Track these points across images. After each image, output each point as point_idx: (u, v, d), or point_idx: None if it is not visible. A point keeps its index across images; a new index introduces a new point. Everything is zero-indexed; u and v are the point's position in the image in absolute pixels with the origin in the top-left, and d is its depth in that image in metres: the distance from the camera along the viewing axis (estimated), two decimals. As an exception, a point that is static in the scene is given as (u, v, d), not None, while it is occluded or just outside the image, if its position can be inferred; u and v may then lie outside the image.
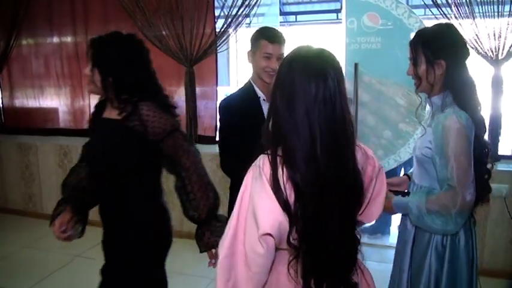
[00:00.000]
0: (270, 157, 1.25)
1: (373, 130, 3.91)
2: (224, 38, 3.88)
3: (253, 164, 1.28)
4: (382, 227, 4.27)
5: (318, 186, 1.22)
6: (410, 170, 2.09)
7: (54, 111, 5.12)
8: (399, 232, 2.08)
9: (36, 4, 4.83)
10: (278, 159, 1.24)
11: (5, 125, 5.40)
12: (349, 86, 3.88)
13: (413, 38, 1.88)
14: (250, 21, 3.85)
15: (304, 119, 1.21)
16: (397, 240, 2.09)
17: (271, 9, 4.99)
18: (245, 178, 1.27)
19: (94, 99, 4.73)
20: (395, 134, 3.85)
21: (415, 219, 1.81)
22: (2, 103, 5.45)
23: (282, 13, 8.27)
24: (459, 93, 1.76)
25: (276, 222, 1.20)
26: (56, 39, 4.97)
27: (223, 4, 3.84)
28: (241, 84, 2.44)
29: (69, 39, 4.84)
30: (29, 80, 5.22)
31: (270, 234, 1.20)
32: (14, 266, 3.93)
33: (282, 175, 1.22)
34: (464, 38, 1.87)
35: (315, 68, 1.25)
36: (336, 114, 1.24)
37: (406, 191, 2.03)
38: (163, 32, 3.97)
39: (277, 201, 1.20)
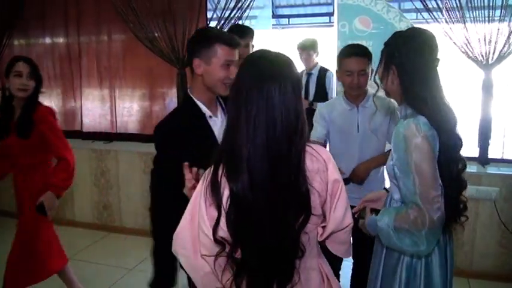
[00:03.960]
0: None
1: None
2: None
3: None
4: None
5: (252, 193, 1.23)
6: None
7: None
8: (373, 254, 1.96)
9: (29, 5, 4.78)
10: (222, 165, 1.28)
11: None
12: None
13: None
14: (243, 24, 3.85)
15: (249, 124, 1.23)
16: (372, 261, 1.97)
17: (263, 12, 5.00)
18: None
19: (86, 100, 4.73)
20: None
21: (385, 240, 1.66)
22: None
23: (274, 16, 8.30)
24: (417, 104, 1.63)
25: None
26: (48, 40, 4.93)
27: (216, 6, 3.84)
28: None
29: (61, 40, 4.81)
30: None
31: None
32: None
33: (221, 180, 1.27)
34: (430, 45, 1.72)
35: (267, 73, 1.25)
36: (282, 122, 1.23)
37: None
38: (155, 34, 3.95)
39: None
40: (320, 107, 2.75)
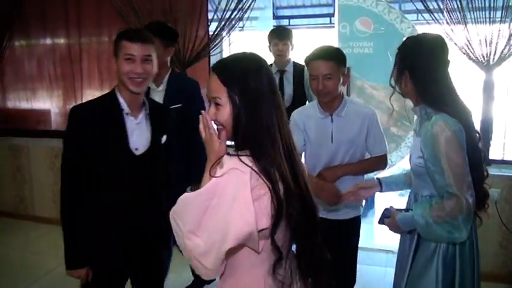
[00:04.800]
0: (253, 158, 1.23)
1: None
2: (217, 41, 3.89)
3: (223, 170, 1.23)
4: (365, 211, 4.55)
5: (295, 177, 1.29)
6: (378, 175, 2.13)
7: (46, 113, 5.08)
8: (398, 252, 2.07)
9: (30, 5, 4.79)
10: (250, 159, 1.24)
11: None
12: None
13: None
14: (244, 25, 3.85)
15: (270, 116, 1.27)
16: (397, 259, 2.08)
17: (264, 12, 5.00)
18: (226, 178, 1.22)
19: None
20: (388, 138, 3.82)
21: (423, 231, 1.77)
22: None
23: (275, 17, 8.31)
24: (437, 103, 1.76)
25: (248, 235, 1.19)
26: (49, 41, 4.93)
27: (217, 7, 3.85)
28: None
29: (62, 41, 4.81)
30: (21, 82, 5.17)
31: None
32: (5, 268, 3.89)
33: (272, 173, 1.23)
34: (441, 47, 1.82)
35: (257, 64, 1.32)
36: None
37: (405, 208, 2.00)
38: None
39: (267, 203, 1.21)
40: (294, 114, 2.52)
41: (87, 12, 4.56)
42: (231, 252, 1.23)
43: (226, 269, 1.29)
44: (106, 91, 4.71)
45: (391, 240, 3.66)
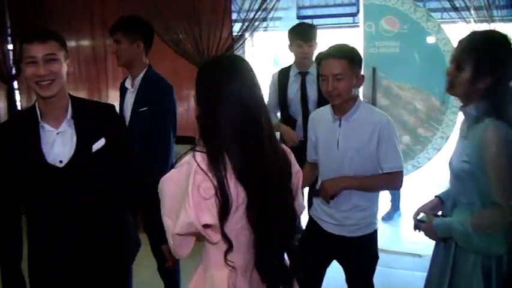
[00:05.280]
0: (206, 153, 1.31)
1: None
2: (241, 42, 3.88)
3: (181, 163, 1.34)
4: (391, 213, 4.52)
5: (259, 172, 1.32)
6: (441, 193, 1.97)
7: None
8: (433, 258, 1.94)
9: (55, 8, 4.87)
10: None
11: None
12: (367, 90, 3.84)
13: (466, 41, 1.74)
14: (267, 25, 3.83)
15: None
16: (430, 266, 1.96)
17: (288, 13, 4.93)
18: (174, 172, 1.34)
19: (112, 102, 4.76)
20: (414, 140, 3.81)
21: (461, 239, 1.68)
22: (20, 105, 5.50)
23: (298, 17, 8.25)
24: (499, 104, 1.64)
25: (191, 226, 1.28)
26: (73, 43, 5.00)
27: (240, 8, 3.83)
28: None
29: (86, 42, 4.88)
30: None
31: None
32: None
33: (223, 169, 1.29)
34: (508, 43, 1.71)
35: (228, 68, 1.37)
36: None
37: (441, 212, 1.91)
38: (180, 36, 3.97)
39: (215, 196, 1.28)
40: (311, 116, 2.39)
41: (112, 14, 4.58)
42: (200, 237, 1.35)
43: (202, 253, 1.45)
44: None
45: (418, 243, 3.62)
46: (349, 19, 8.53)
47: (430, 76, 3.74)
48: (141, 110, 2.55)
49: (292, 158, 1.48)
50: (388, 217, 4.47)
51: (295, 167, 1.48)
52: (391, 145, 2.11)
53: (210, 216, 1.28)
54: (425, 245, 2.15)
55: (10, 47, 5.35)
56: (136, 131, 2.53)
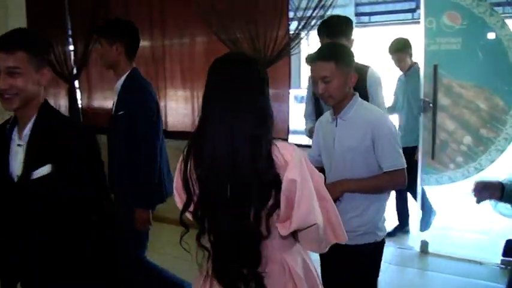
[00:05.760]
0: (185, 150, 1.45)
1: (452, 135, 3.74)
2: (298, 40, 3.87)
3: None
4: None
5: (213, 180, 1.36)
6: (505, 179, 1.85)
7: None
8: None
9: (115, 10, 5.01)
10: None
11: (84, 124, 5.65)
12: (428, 88, 3.74)
13: None
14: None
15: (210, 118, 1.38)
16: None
17: (345, 10, 4.83)
18: None
19: (170, 101, 4.89)
20: (476, 141, 3.66)
21: None
22: (81, 104, 5.72)
23: (356, 14, 8.14)
24: None
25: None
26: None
27: (297, 6, 3.82)
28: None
29: (146, 43, 4.98)
30: (106, 82, 5.43)
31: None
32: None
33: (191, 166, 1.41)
34: None
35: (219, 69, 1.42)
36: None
37: None
38: (238, 35, 4.01)
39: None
40: (319, 119, 2.41)
41: (171, 15, 4.70)
42: None
43: None
44: (188, 92, 4.86)
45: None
46: (408, 15, 8.35)
47: (493, 74, 3.59)
48: (119, 113, 2.57)
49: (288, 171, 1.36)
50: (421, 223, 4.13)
51: (290, 174, 1.36)
52: (387, 143, 2.05)
53: (179, 200, 1.50)
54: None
55: (71, 47, 5.56)
56: (117, 134, 2.60)
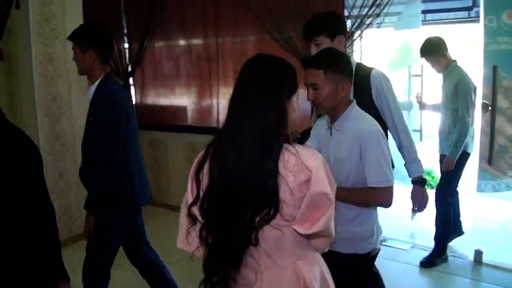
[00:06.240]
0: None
1: (511, 140, 3.59)
2: (353, 39, 3.81)
3: None
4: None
5: (222, 180, 1.37)
6: None
7: (183, 109, 5.40)
8: None
9: (170, 9, 5.10)
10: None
11: (137, 120, 5.76)
12: (486, 90, 3.61)
13: None
14: (381, 22, 3.72)
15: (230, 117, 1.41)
16: None
17: (409, 8, 4.40)
18: None
19: (223, 99, 4.92)
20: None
21: None
22: (135, 101, 5.85)
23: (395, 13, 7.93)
24: None
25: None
26: (186, 42, 5.22)
27: (353, 4, 3.75)
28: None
29: (199, 41, 5.05)
30: (160, 80, 5.56)
31: None
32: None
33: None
34: None
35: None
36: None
37: None
38: (291, 34, 3.99)
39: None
40: (316, 122, 2.32)
41: (225, 14, 4.73)
42: None
43: None
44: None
45: None
46: (464, 13, 8.05)
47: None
48: (90, 119, 2.57)
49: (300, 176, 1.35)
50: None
51: (316, 187, 1.34)
52: (373, 158, 1.97)
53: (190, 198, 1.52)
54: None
55: (126, 45, 5.70)
56: (85, 140, 2.61)
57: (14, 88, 4.22)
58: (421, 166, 2.48)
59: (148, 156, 5.41)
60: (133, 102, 5.78)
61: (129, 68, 5.62)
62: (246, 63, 1.48)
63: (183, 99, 5.37)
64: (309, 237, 1.42)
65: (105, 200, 2.56)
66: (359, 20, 3.72)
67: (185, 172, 4.87)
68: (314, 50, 2.40)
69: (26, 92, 4.03)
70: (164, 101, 5.55)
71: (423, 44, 3.74)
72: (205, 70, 5.01)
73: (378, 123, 2.08)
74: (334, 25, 2.47)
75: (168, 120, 5.52)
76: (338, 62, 2.01)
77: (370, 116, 2.10)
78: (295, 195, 1.34)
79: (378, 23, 3.69)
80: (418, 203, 2.52)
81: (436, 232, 3.84)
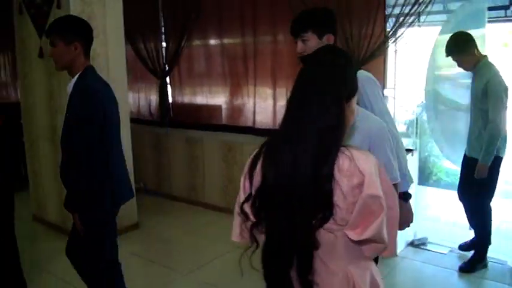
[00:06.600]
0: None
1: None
2: (395, 38, 3.74)
3: None
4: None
5: (277, 181, 1.33)
6: None
7: (218, 108, 5.42)
8: None
9: (207, 9, 5.15)
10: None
11: (173, 119, 5.88)
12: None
13: None
14: (424, 20, 3.64)
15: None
16: None
17: (475, 4, 3.84)
18: None
19: (259, 99, 4.92)
20: None
21: None
22: (172, 99, 5.92)
23: (445, 11, 7.74)
24: None
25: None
26: (223, 41, 5.24)
27: (395, 2, 3.68)
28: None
29: (237, 40, 5.05)
30: (197, 79, 5.59)
31: None
32: (177, 249, 4.25)
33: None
34: None
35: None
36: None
37: None
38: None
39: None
40: None
41: (263, 13, 4.70)
42: None
43: None
44: (278, 89, 4.84)
45: None
46: (501, 12, 7.82)
47: None
48: (67, 114, 2.48)
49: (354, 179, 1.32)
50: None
51: (368, 190, 1.31)
52: (383, 153, 1.93)
53: (242, 196, 1.50)
54: None
55: (164, 45, 5.77)
56: (66, 137, 2.49)
57: (53, 87, 4.31)
58: (409, 181, 2.38)
59: (185, 155, 5.45)
60: (170, 101, 5.86)
61: (166, 67, 5.68)
62: (307, 62, 1.45)
63: (219, 98, 5.38)
64: (360, 243, 1.38)
65: (87, 198, 2.44)
66: (401, 19, 3.64)
67: (221, 171, 4.95)
68: (300, 47, 2.26)
69: (66, 89, 4.09)
70: (201, 100, 5.58)
71: (448, 42, 3.51)
72: (241, 69, 5.01)
73: (379, 119, 2.04)
74: (323, 22, 2.29)
75: (204, 119, 5.54)
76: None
77: (369, 112, 2.06)
78: (348, 199, 1.32)
79: (420, 22, 3.62)
80: (403, 219, 2.39)
81: (475, 238, 3.74)
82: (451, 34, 3.51)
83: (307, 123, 1.32)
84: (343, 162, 1.31)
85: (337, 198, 1.31)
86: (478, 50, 3.46)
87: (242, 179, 1.47)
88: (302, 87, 1.38)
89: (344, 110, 1.36)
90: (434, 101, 3.94)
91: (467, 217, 3.77)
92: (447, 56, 3.53)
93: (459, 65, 3.56)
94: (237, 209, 1.49)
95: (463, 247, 3.83)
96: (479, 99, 3.41)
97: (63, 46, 2.41)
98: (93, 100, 2.40)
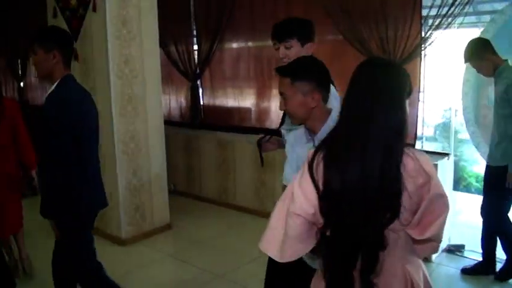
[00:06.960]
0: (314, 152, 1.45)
1: None
2: (431, 41, 3.69)
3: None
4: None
5: (345, 187, 1.34)
6: None
7: (248, 111, 5.44)
8: None
9: (239, 11, 5.17)
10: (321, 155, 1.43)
11: (204, 121, 5.91)
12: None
13: None
14: (462, 21, 3.58)
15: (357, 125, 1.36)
16: None
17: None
18: None
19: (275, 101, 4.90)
20: None
21: None
22: (203, 101, 5.96)
23: (475, 13, 7.59)
24: None
25: (309, 208, 1.41)
26: (255, 43, 5.26)
27: (432, 4, 3.63)
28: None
29: (267, 43, 5.00)
30: (228, 81, 5.62)
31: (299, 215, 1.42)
32: (211, 251, 4.26)
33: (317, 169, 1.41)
34: None
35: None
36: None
37: None
38: (365, 35, 3.92)
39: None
40: (292, 132, 2.17)
41: (296, 14, 4.68)
42: None
43: None
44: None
45: None
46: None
47: None
48: (40, 120, 2.49)
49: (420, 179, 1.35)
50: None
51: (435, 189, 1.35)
52: None
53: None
54: None
55: (195, 47, 5.81)
56: (39, 144, 2.56)
57: (88, 89, 4.36)
58: None
59: (216, 157, 5.48)
60: (201, 103, 5.89)
61: (197, 70, 5.72)
62: (363, 66, 1.45)
63: (249, 100, 5.40)
64: (420, 242, 1.40)
65: (61, 204, 2.47)
66: (438, 20, 3.58)
67: (252, 173, 4.93)
68: (282, 52, 2.37)
69: (102, 92, 4.16)
70: (232, 102, 5.61)
71: (465, 49, 3.40)
72: (271, 71, 5.01)
73: None
74: (307, 32, 2.44)
75: (234, 121, 5.57)
76: (307, 71, 1.90)
77: None
78: (413, 199, 1.34)
79: (459, 23, 3.57)
80: None
81: (504, 244, 3.60)
82: (469, 41, 3.41)
83: (370, 125, 1.33)
84: (407, 163, 1.33)
85: (404, 199, 1.33)
86: (496, 55, 3.34)
87: (300, 187, 1.44)
88: (360, 90, 1.39)
89: (406, 110, 1.38)
90: (474, 103, 3.84)
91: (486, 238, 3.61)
92: (465, 62, 3.46)
93: (478, 71, 3.45)
94: (297, 212, 1.43)
95: (466, 271, 3.67)
96: (500, 104, 3.29)
97: (42, 54, 2.46)
98: (67, 108, 2.43)
